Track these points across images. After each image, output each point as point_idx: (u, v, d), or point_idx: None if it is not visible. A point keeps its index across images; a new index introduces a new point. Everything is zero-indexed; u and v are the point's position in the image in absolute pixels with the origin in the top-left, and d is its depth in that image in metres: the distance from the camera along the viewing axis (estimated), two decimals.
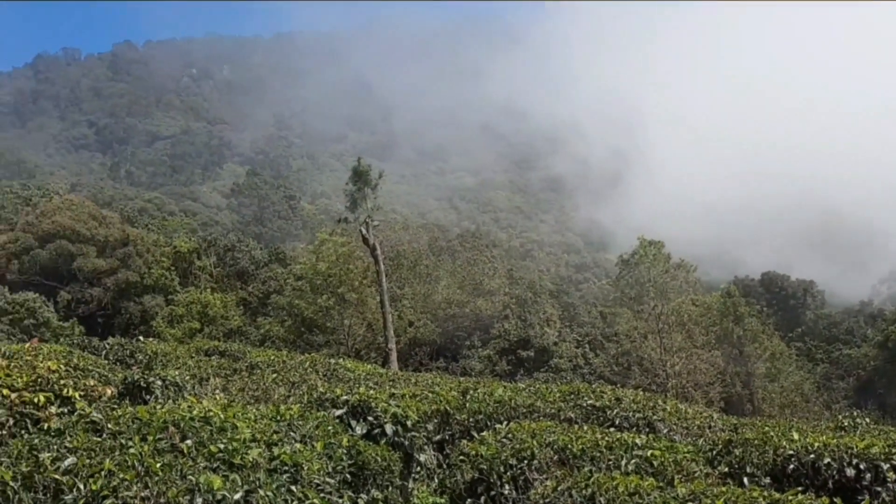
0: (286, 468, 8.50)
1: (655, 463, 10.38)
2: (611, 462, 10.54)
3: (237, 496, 7.45)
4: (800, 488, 9.08)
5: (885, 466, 10.58)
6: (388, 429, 12.14)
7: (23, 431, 8.55)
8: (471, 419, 14.14)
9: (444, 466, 12.46)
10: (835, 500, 8.55)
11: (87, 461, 7.26)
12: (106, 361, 19.35)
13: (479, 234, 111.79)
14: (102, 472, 7.07)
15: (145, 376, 14.11)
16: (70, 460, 7.26)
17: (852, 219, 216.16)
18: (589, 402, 15.27)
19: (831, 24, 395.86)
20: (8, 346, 18.30)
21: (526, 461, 10.56)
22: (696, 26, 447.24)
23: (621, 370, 61.60)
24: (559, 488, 9.25)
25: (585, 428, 12.29)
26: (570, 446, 10.82)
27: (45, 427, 8.45)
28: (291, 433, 9.99)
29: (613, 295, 74.90)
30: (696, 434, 14.85)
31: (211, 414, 9.01)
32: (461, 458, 11.23)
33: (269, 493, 7.79)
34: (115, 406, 10.02)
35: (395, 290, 61.59)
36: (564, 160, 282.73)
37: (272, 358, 25.31)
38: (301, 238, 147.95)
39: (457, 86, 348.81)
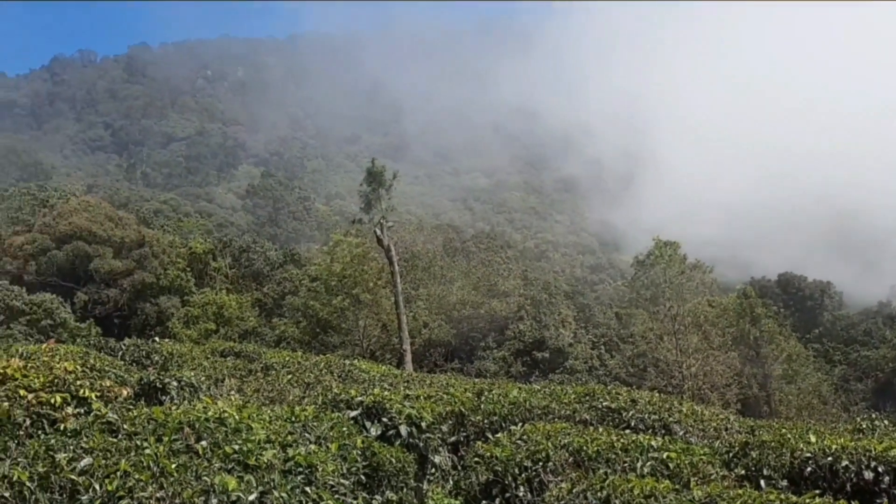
0: (301, 469, 8.50)
1: (671, 465, 10.32)
2: (626, 464, 10.49)
3: (252, 497, 7.46)
4: (817, 491, 9.01)
5: None
6: (403, 430, 12.12)
7: (40, 432, 8.60)
8: (486, 421, 14.11)
9: (459, 468, 12.44)
10: (853, 503, 8.48)
11: (103, 462, 7.29)
12: (122, 362, 19.43)
13: (493, 235, 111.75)
14: (118, 473, 7.09)
15: (161, 377, 14.15)
16: (86, 461, 7.29)
17: (868, 219, 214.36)
18: (604, 403, 15.21)
19: (850, 25, 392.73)
20: (25, 347, 18.39)
21: (541, 463, 10.53)
22: (710, 27, 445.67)
23: (637, 371, 61.38)
24: (574, 490, 9.21)
25: (601, 430, 12.24)
26: (585, 448, 10.78)
27: (62, 427, 8.50)
28: (306, 434, 10.00)
29: (629, 296, 74.57)
30: (713, 436, 14.75)
31: (226, 415, 9.03)
32: (476, 459, 11.21)
33: (284, 495, 7.79)
34: (131, 407, 10.06)
35: (409, 291, 61.59)
36: (577, 161, 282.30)
37: (287, 359, 25.38)
38: (316, 239, 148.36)
39: (469, 87, 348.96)
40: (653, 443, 11.10)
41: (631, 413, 14.72)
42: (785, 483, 10.82)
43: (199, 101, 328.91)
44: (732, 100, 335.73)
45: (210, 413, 8.96)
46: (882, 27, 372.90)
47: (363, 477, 10.00)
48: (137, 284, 66.28)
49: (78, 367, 11.60)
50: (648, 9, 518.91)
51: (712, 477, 10.24)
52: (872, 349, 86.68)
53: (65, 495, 7.02)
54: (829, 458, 10.85)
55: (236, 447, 8.19)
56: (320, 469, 8.70)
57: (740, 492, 8.68)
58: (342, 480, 9.12)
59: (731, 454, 11.79)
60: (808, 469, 10.89)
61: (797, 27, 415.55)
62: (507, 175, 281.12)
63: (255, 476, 7.81)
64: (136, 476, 7.12)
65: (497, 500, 10.46)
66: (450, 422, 13.79)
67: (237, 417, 9.07)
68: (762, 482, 10.69)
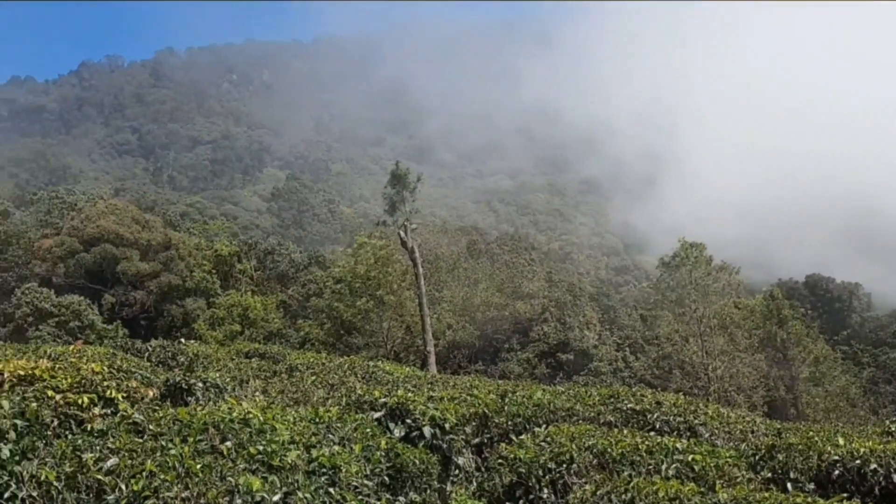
0: (324, 470, 8.53)
1: (696, 468, 10.24)
2: (651, 466, 10.42)
3: (276, 498, 7.49)
4: (845, 495, 8.90)
5: None
6: (427, 431, 12.12)
7: (67, 432, 8.68)
8: (509, 422, 14.08)
9: (483, 470, 12.42)
10: None
11: (129, 462, 7.35)
12: (148, 363, 19.61)
13: (517, 236, 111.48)
14: (144, 473, 7.15)
15: (187, 378, 14.26)
16: (112, 461, 7.35)
17: (893, 219, 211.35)
18: (629, 405, 15.11)
19: (877, 24, 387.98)
20: (54, 348, 18.63)
21: (565, 465, 10.48)
22: (732, 27, 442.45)
23: (662, 373, 60.97)
24: (598, 493, 9.17)
25: (625, 432, 12.17)
26: (609, 450, 10.72)
27: (89, 428, 8.58)
28: (330, 435, 10.03)
29: (654, 298, 74.14)
30: (739, 439, 14.62)
31: (250, 416, 9.08)
32: (500, 461, 11.19)
33: (308, 495, 7.82)
34: (157, 407, 10.14)
35: (433, 292, 61.60)
36: (600, 162, 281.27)
37: (311, 360, 25.47)
38: (340, 241, 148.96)
39: (491, 87, 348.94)
40: (678, 445, 11.02)
41: (656, 415, 14.62)
42: (812, 486, 10.70)
43: (224, 104, 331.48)
44: (754, 100, 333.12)
45: (235, 414, 9.01)
46: None
47: (387, 478, 10.01)
48: (164, 286, 66.87)
49: (105, 368, 11.71)
50: (669, 8, 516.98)
51: (738, 480, 10.15)
52: None
53: (91, 495, 7.09)
54: (858, 462, 10.71)
55: (261, 448, 8.24)
56: (344, 470, 8.72)
57: (766, 495, 8.59)
58: (366, 481, 9.13)
59: (757, 457, 11.67)
60: (836, 472, 10.76)
61: (820, 27, 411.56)
62: (531, 176, 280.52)
63: (279, 477, 7.84)
64: (162, 476, 7.17)
65: (521, 502, 10.43)
66: (473, 423, 13.77)
67: (261, 418, 9.12)
68: (789, 485, 10.57)
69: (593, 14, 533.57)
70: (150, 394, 11.46)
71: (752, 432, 15.46)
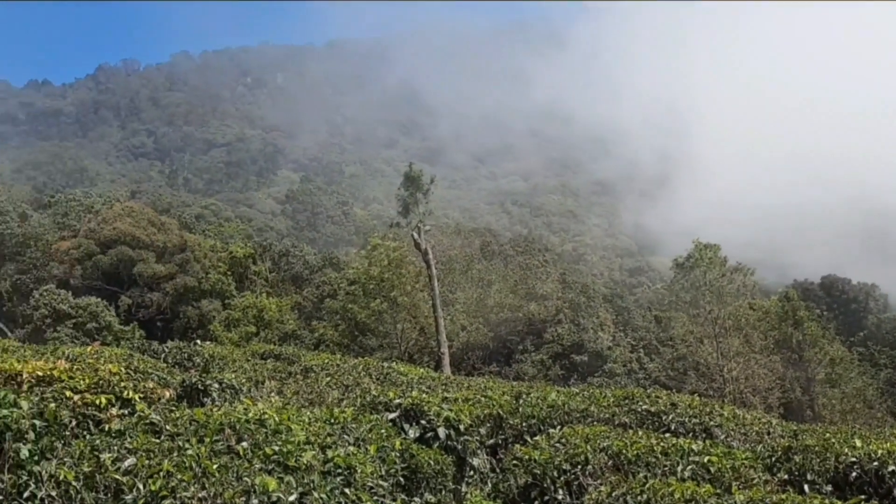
0: (340, 471, 8.55)
1: (712, 469, 10.20)
2: (666, 468, 10.39)
3: (292, 498, 7.52)
4: (863, 497, 8.85)
5: None
6: (441, 433, 12.13)
7: (85, 432, 8.74)
8: (524, 423, 14.07)
9: (498, 471, 12.42)
10: None
11: (147, 462, 7.40)
12: (165, 364, 19.70)
13: (531, 238, 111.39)
14: (161, 473, 7.20)
15: (203, 379, 14.32)
16: (130, 461, 7.41)
17: None
18: (644, 406, 15.05)
19: (886, 25, 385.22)
20: (72, 350, 18.76)
21: (580, 466, 10.47)
22: (746, 28, 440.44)
23: (677, 375, 60.69)
24: (614, 494, 9.15)
25: (640, 433, 12.13)
26: (624, 451, 10.69)
27: (107, 428, 8.64)
28: (345, 436, 10.06)
29: (668, 299, 73.81)
30: (755, 440, 14.54)
31: (266, 416, 9.12)
32: (514, 462, 11.18)
33: (323, 496, 7.85)
34: (174, 408, 10.20)
35: (447, 294, 61.61)
36: (612, 163, 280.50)
37: (326, 361, 25.51)
38: (354, 243, 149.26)
39: (503, 88, 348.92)
40: (693, 447, 10.97)
41: (671, 416, 14.56)
42: (829, 488, 10.64)
43: (239, 107, 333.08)
44: (767, 100, 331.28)
45: (250, 415, 9.05)
46: None
47: (402, 479, 10.03)
48: (179, 288, 67.25)
49: (122, 369, 11.79)
50: (679, 9, 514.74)
51: (754, 481, 10.10)
52: None
53: (109, 495, 7.15)
54: (875, 464, 10.63)
55: (276, 448, 8.27)
56: (359, 470, 8.74)
57: (783, 496, 8.56)
58: (381, 482, 9.16)
59: (773, 458, 11.61)
60: (854, 474, 10.69)
61: (834, 28, 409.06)
62: (544, 178, 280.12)
63: (294, 477, 7.88)
64: (179, 476, 7.22)
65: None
66: (488, 424, 13.77)
67: (277, 419, 9.16)
68: (806, 487, 10.52)
69: (603, 14, 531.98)
70: (167, 394, 11.52)
71: (769, 434, 15.37)
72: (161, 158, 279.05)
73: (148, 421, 8.76)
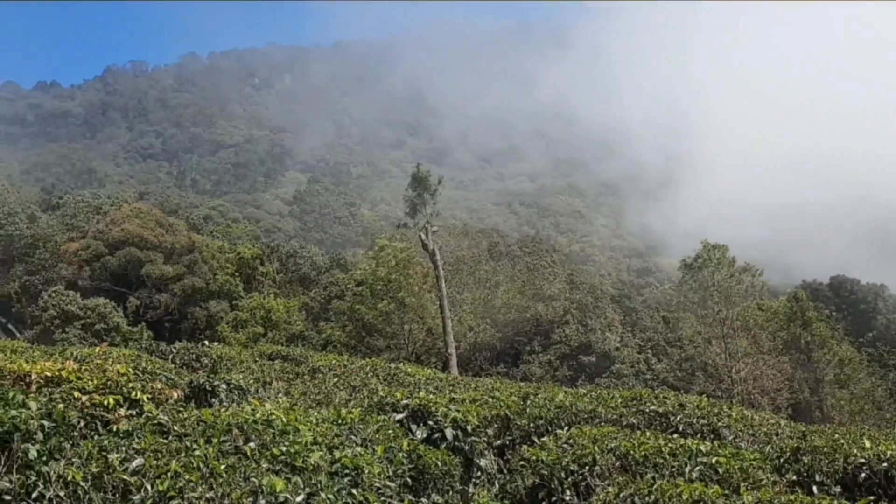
0: (347, 471, 8.56)
1: (721, 470, 10.17)
2: (674, 469, 10.35)
3: (299, 499, 7.53)
4: (872, 498, 8.80)
5: None
6: (449, 433, 12.12)
7: (93, 433, 8.77)
8: (531, 424, 14.04)
9: (505, 472, 12.40)
10: None
11: (154, 462, 7.42)
12: (173, 365, 19.74)
13: (538, 238, 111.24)
14: (169, 474, 7.21)
15: (210, 380, 14.35)
16: (138, 461, 7.43)
17: None
18: (651, 407, 15.01)
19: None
20: (80, 350, 18.82)
21: (587, 467, 10.45)
22: (749, 28, 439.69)
23: (685, 376, 60.54)
24: (621, 495, 9.13)
25: (648, 434, 12.09)
26: (632, 452, 10.67)
27: (115, 429, 8.66)
28: (352, 437, 10.06)
29: (676, 299, 73.62)
30: (763, 441, 14.48)
31: (273, 417, 9.14)
32: (522, 463, 11.17)
33: (331, 496, 7.85)
34: (182, 409, 10.22)
35: (454, 294, 61.58)
36: (618, 164, 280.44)
37: (333, 362, 25.52)
38: (361, 244, 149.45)
39: (508, 89, 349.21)
40: (701, 447, 10.94)
41: (679, 417, 14.51)
42: (838, 489, 10.59)
43: (246, 108, 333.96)
44: (770, 100, 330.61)
45: (258, 415, 9.07)
46: None
47: (409, 479, 10.02)
48: (187, 289, 67.39)
49: (130, 369, 11.82)
50: (684, 9, 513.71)
51: (763, 482, 10.07)
52: None
53: (117, 495, 7.16)
54: (885, 465, 10.58)
55: (284, 449, 8.28)
56: (366, 471, 8.75)
57: (792, 497, 8.53)
58: (388, 483, 9.16)
59: (782, 459, 11.57)
60: (863, 475, 10.64)
61: (845, 27, 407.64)
62: (552, 178, 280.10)
63: (302, 477, 7.88)
64: (187, 477, 7.23)
65: None
66: (495, 425, 13.75)
67: (284, 420, 9.17)
68: (814, 488, 10.47)
69: (605, 15, 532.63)
70: (175, 395, 11.55)
71: (777, 434, 15.32)
72: (169, 159, 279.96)
73: (156, 421, 8.78)
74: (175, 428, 8.63)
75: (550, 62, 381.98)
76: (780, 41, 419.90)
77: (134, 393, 10.32)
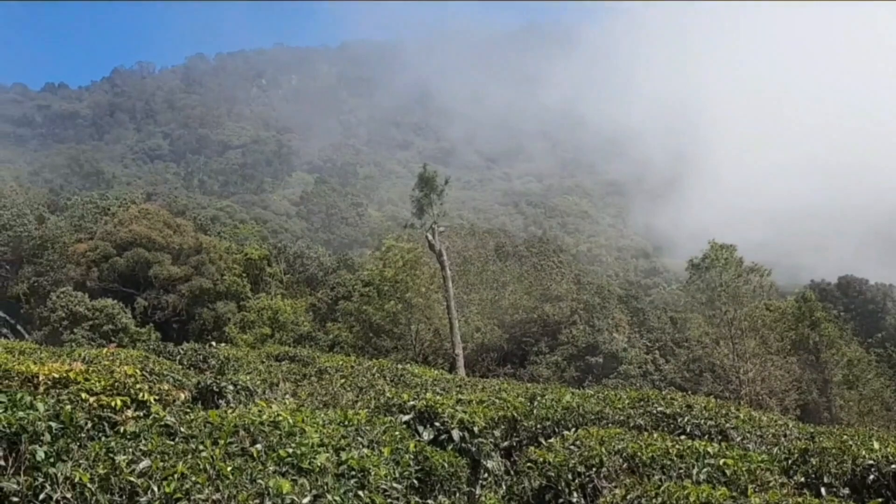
0: (354, 473, 8.55)
1: (728, 472, 10.13)
2: (682, 470, 10.32)
3: (305, 500, 7.52)
4: (880, 500, 8.75)
5: None
6: (455, 435, 12.10)
7: (100, 434, 8.79)
8: (538, 426, 14.02)
9: (512, 473, 12.38)
10: None
11: (161, 464, 7.43)
12: (180, 366, 19.75)
13: (545, 238, 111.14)
14: (175, 475, 7.21)
15: (218, 381, 14.36)
16: (145, 463, 7.43)
17: None
18: (659, 409, 14.96)
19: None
20: (88, 351, 18.87)
21: (594, 469, 10.42)
22: (757, 30, 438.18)
23: (692, 377, 60.42)
24: (629, 497, 9.10)
25: (655, 435, 12.05)
26: (639, 454, 10.64)
27: (122, 430, 8.68)
28: (359, 438, 10.06)
29: (684, 300, 73.48)
30: (771, 442, 14.42)
31: (280, 418, 9.13)
32: (529, 464, 11.15)
33: (337, 498, 7.84)
34: (189, 410, 10.23)
35: (461, 295, 61.59)
36: (625, 165, 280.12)
37: (341, 363, 25.53)
38: (368, 244, 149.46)
39: (515, 89, 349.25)
40: (709, 449, 10.90)
41: (686, 419, 14.47)
42: (846, 491, 10.55)
43: (253, 109, 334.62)
44: (776, 101, 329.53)
45: (265, 416, 9.07)
46: None
47: (416, 481, 10.01)
48: (195, 290, 67.51)
49: (137, 370, 11.85)
50: (690, 9, 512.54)
51: (771, 484, 10.02)
52: None
53: (124, 496, 7.17)
54: (894, 466, 10.53)
55: (290, 450, 8.28)
56: (373, 473, 8.74)
57: (800, 499, 8.49)
58: (395, 484, 9.15)
59: (790, 461, 11.52)
60: (871, 477, 10.59)
61: (849, 28, 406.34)
62: (559, 179, 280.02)
63: (308, 479, 7.88)
64: (193, 478, 7.23)
65: None
66: (502, 427, 13.73)
67: (291, 421, 9.17)
68: (823, 490, 10.43)
69: (612, 15, 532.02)
70: (182, 396, 11.57)
71: (785, 436, 15.24)
72: (176, 160, 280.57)
73: (163, 423, 8.79)
74: (182, 429, 8.64)
75: (557, 62, 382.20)
76: (790, 43, 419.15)
77: (141, 394, 10.35)
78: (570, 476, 10.42)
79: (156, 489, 7.14)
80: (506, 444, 13.57)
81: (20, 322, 66.33)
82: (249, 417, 8.92)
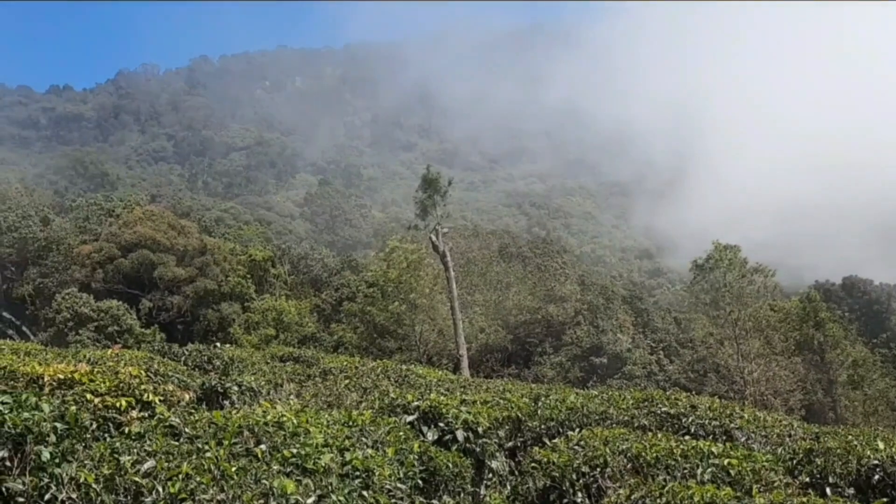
0: (358, 473, 8.55)
1: (733, 472, 10.12)
2: (686, 471, 10.31)
3: (310, 501, 7.53)
4: (885, 500, 8.74)
5: None
6: (460, 435, 12.09)
7: (105, 435, 8.81)
8: (543, 426, 14.02)
9: (516, 473, 12.38)
10: None
11: (166, 464, 7.43)
12: (185, 367, 19.79)
13: (549, 239, 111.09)
14: (180, 476, 7.22)
15: (222, 381, 14.38)
16: (149, 463, 7.44)
17: None
18: (663, 409, 14.96)
19: None
20: (93, 352, 18.91)
21: (599, 469, 10.42)
22: (762, 26, 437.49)
23: (697, 377, 60.41)
24: (633, 497, 9.10)
25: (660, 436, 12.04)
26: (643, 454, 10.63)
27: (127, 431, 8.69)
28: (363, 439, 10.06)
29: (688, 300, 73.40)
30: (776, 443, 14.39)
31: (284, 419, 9.14)
32: (533, 465, 11.14)
33: (342, 499, 7.85)
34: (193, 411, 10.24)
35: (465, 296, 61.57)
36: (629, 165, 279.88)
37: (345, 364, 25.55)
38: (372, 246, 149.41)
39: (518, 91, 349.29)
40: (713, 449, 10.89)
41: (690, 419, 14.46)
42: (851, 491, 10.53)
43: (257, 111, 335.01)
44: (779, 101, 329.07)
45: (269, 417, 9.08)
46: None
47: (420, 482, 10.01)
48: (200, 291, 67.61)
49: (142, 371, 11.87)
50: (692, 9, 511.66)
51: (775, 484, 10.01)
52: None
53: (129, 497, 7.18)
54: None
55: (295, 451, 8.28)
56: (377, 473, 8.74)
57: (804, 500, 8.48)
58: (399, 485, 9.15)
59: (794, 461, 11.50)
60: (876, 477, 10.57)
61: (855, 26, 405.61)
62: (562, 179, 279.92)
63: (312, 480, 7.88)
64: (198, 479, 7.24)
65: None
66: (507, 427, 13.72)
67: (295, 422, 9.17)
68: (827, 490, 10.41)
69: (614, 14, 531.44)
70: (187, 397, 11.60)
71: (790, 436, 15.22)
72: (181, 162, 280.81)
73: (167, 423, 8.80)
74: (186, 430, 8.65)
75: (559, 63, 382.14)
76: (791, 41, 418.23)
77: (146, 395, 10.37)
78: (574, 476, 10.42)
79: (160, 489, 7.15)
80: (510, 444, 13.56)
81: (25, 323, 66.51)
82: (254, 418, 8.93)
